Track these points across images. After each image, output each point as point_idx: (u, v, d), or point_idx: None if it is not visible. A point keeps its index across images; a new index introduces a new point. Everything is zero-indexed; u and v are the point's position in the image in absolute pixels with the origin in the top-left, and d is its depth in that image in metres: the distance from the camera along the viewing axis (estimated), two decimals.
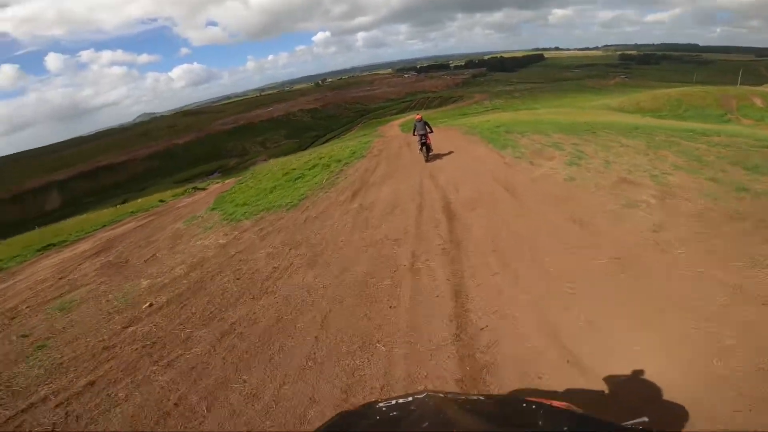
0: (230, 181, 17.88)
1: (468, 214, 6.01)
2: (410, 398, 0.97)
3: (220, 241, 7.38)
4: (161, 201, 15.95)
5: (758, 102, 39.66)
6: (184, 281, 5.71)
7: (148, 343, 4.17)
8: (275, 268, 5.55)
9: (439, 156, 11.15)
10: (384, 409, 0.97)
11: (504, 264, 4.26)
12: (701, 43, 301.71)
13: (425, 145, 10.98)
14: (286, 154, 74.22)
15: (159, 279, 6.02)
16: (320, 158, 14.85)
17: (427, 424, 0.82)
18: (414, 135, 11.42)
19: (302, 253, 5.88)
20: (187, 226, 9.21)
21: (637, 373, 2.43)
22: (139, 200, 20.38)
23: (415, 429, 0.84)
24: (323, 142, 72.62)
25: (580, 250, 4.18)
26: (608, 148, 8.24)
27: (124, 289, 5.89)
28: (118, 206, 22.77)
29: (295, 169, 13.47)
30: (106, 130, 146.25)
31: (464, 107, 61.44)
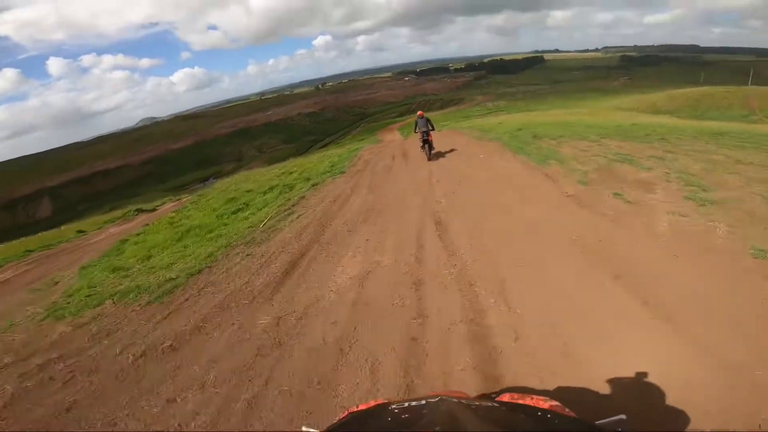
0: (186, 199, 15.80)
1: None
2: (423, 401, 0.97)
3: None
4: (80, 232, 13.86)
5: None
6: None
7: None
8: None
9: (449, 173, 8.64)
10: (396, 411, 0.97)
11: None
12: (701, 44, 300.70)
13: (427, 143, 10.63)
14: (282, 159, 71.99)
15: None
16: (289, 173, 12.72)
17: (438, 428, 0.81)
18: (416, 132, 11.11)
19: None
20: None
21: None
22: (56, 230, 18.00)
23: None
24: (321, 147, 70.70)
25: None
26: (714, 164, 5.63)
27: None
28: (62, 227, 20.60)
29: (250, 190, 11.05)
30: (107, 135, 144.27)
31: (466, 109, 59.37)
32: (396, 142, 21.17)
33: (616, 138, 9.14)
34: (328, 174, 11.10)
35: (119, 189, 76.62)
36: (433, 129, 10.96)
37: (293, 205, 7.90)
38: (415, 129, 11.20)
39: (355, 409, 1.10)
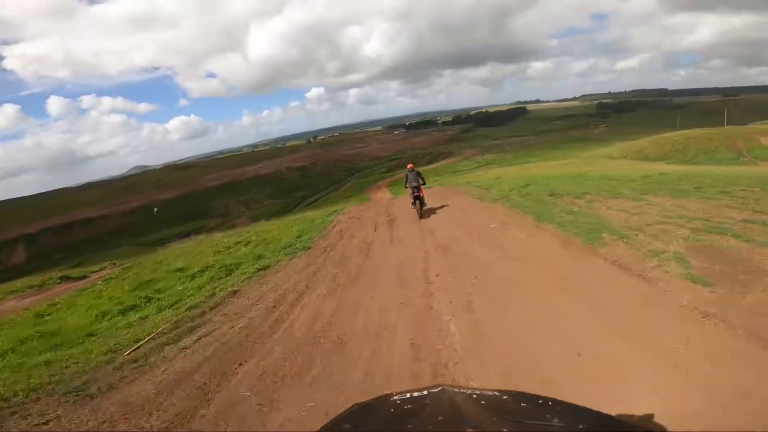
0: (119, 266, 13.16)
1: None
2: (425, 392, 0.99)
3: None
4: None
5: (765, 141, 37.30)
6: None
7: None
8: None
9: (454, 258, 6.08)
10: (399, 401, 0.98)
11: None
12: (669, 87, 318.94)
13: (418, 199, 10.10)
14: (269, 216, 69.53)
15: None
16: (244, 244, 10.27)
17: (440, 418, 0.84)
18: (406, 187, 10.59)
19: None
20: None
21: None
22: None
23: (429, 422, 0.86)
24: (310, 203, 68.96)
25: None
26: None
27: None
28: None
29: (180, 269, 8.41)
30: (96, 181, 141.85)
31: (455, 163, 59.10)
32: (383, 202, 19.36)
33: (661, 193, 7.05)
34: (287, 250, 8.59)
35: (98, 239, 72.82)
36: (424, 183, 10.47)
37: (211, 309, 5.31)
38: (406, 184, 10.54)
39: (360, 402, 1.10)
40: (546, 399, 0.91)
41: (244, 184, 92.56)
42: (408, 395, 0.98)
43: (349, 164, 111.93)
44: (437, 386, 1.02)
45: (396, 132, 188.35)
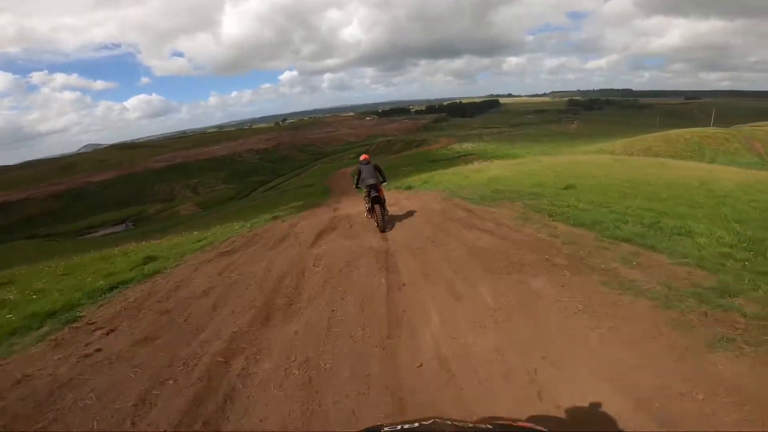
0: None
1: None
2: (416, 424, 0.96)
3: None
4: None
5: None
6: None
7: None
8: None
9: None
10: None
11: None
12: (633, 88, 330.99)
13: (377, 201, 7.19)
14: (219, 202, 62.15)
15: None
16: (66, 280, 5.67)
17: None
18: (358, 187, 7.68)
19: None
20: None
21: None
22: None
23: None
24: (267, 190, 61.55)
25: None
26: None
27: None
28: None
29: None
30: (37, 160, 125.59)
31: (431, 151, 53.25)
32: (344, 203, 15.14)
33: None
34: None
35: (9, 228, 61.43)
36: (384, 181, 7.75)
37: None
38: (357, 182, 7.71)
39: None
40: None
41: (196, 166, 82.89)
42: (398, 427, 0.93)
43: (315, 148, 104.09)
44: (429, 419, 0.97)
45: (368, 119, 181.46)
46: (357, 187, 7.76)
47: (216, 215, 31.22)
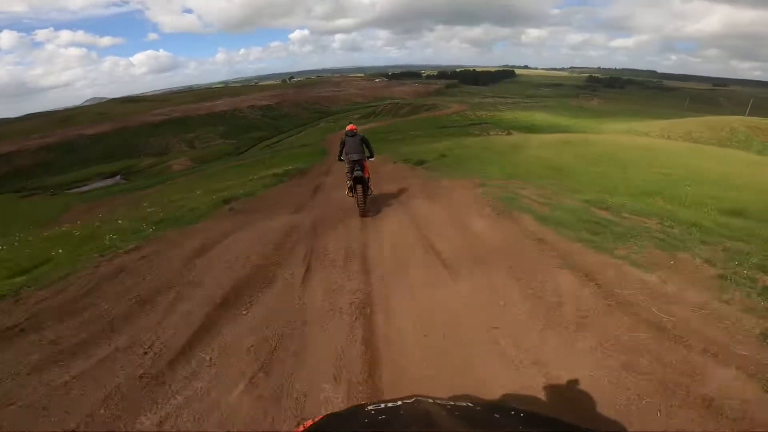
0: None
1: None
2: (399, 402, 0.98)
3: None
4: None
5: None
6: None
7: None
8: None
9: None
10: (372, 412, 0.97)
11: None
12: (659, 70, 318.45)
13: (360, 182, 6.51)
14: (216, 156, 59.27)
15: None
16: None
17: (415, 428, 0.84)
18: (341, 159, 7.04)
19: None
20: None
21: None
22: None
23: None
24: (268, 146, 58.46)
25: None
26: None
27: None
28: None
29: None
30: (39, 112, 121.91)
31: (442, 117, 49.44)
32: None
33: None
34: None
35: (4, 180, 59.61)
36: (371, 156, 6.95)
37: None
38: (341, 155, 6.97)
39: (331, 412, 1.07)
40: (518, 410, 0.90)
41: (195, 120, 78.96)
42: (382, 405, 0.95)
43: (320, 107, 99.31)
44: (411, 397, 0.98)
45: (377, 80, 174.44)
46: (340, 158, 7.07)
47: (200, 175, 28.75)
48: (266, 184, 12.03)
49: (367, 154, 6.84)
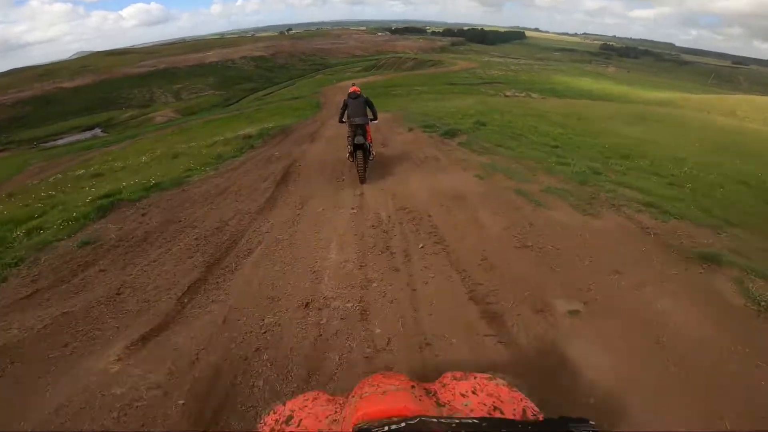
0: None
1: None
2: (403, 424, 0.92)
3: None
4: None
5: None
6: None
7: None
8: None
9: None
10: None
11: None
12: (677, 44, 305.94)
13: (361, 148, 6.23)
14: (203, 108, 55.15)
15: None
16: None
17: None
18: (342, 122, 6.76)
19: None
20: None
21: None
22: None
23: None
24: (260, 97, 54.23)
25: None
26: None
27: None
28: None
29: None
30: (21, 68, 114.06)
31: (449, 73, 45.14)
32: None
33: None
34: None
35: None
36: (374, 118, 6.74)
37: None
38: (342, 117, 6.70)
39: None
40: (525, 424, 0.89)
41: (182, 72, 73.50)
42: (385, 428, 0.89)
43: (317, 58, 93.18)
44: (415, 417, 0.93)
45: (379, 34, 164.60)
46: (341, 120, 6.77)
47: (173, 129, 25.45)
48: (220, 155, 8.97)
49: (370, 116, 6.58)
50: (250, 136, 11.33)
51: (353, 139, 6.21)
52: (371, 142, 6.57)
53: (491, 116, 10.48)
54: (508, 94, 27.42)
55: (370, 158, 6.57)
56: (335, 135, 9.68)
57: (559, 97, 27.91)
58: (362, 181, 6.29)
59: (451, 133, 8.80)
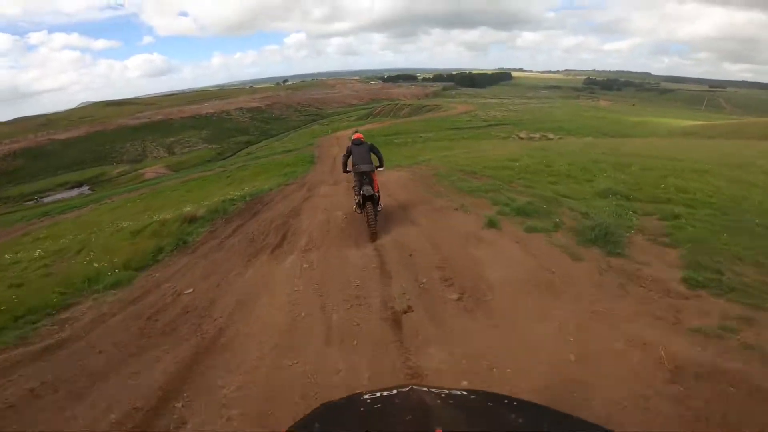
0: None
1: None
2: (395, 391, 1.00)
3: None
4: None
5: None
6: None
7: None
8: None
9: None
10: (368, 400, 0.99)
11: None
12: (653, 72, 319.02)
13: (370, 199, 5.64)
14: (195, 164, 53.41)
15: None
16: None
17: (410, 417, 0.85)
18: (347, 171, 6.29)
19: None
20: None
21: None
22: None
23: (398, 422, 0.88)
24: (252, 151, 52.79)
25: None
26: None
27: None
28: None
29: None
30: (28, 116, 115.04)
31: (450, 117, 44.07)
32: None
33: None
34: None
35: None
36: (381, 166, 6.13)
37: None
38: (345, 166, 6.29)
39: (328, 401, 1.09)
40: (511, 399, 0.92)
41: (177, 124, 73.08)
42: (377, 394, 0.97)
43: (313, 109, 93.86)
44: (406, 386, 1.00)
45: (373, 82, 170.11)
46: (345, 170, 6.33)
47: (146, 191, 23.07)
48: (127, 263, 5.89)
49: (376, 164, 6.07)
50: (194, 219, 8.04)
51: (360, 189, 5.78)
52: (379, 193, 6.01)
53: (620, 179, 7.33)
54: (522, 136, 25.64)
55: (379, 209, 5.96)
56: (328, 218, 6.88)
57: (572, 135, 25.99)
58: (373, 236, 5.60)
59: (516, 210, 5.50)
